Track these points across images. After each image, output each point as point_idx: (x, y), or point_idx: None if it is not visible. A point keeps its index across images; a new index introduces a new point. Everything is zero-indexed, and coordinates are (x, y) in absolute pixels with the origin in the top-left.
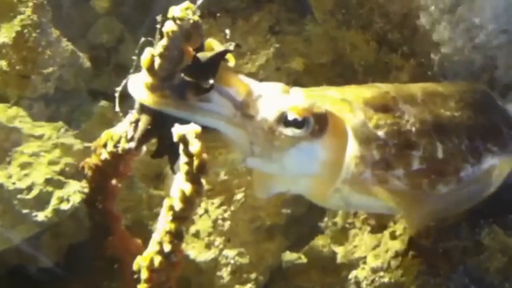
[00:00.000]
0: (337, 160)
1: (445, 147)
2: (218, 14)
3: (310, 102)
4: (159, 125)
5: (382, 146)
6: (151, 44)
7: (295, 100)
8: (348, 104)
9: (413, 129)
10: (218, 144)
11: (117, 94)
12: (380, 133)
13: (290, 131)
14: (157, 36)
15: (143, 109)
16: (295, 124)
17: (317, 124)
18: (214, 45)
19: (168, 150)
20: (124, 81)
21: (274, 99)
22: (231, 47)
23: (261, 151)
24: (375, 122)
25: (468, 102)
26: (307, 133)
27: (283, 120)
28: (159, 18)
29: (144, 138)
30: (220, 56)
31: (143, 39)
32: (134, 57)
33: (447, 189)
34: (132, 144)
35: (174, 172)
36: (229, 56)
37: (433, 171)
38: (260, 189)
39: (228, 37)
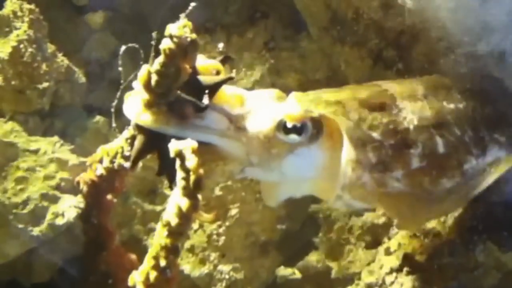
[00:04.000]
0: (334, 163)
1: (446, 141)
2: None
3: (304, 107)
4: (154, 143)
5: (378, 147)
6: (136, 52)
7: (289, 107)
8: (342, 106)
9: (411, 126)
10: (215, 157)
11: (113, 110)
12: (375, 134)
13: (291, 138)
14: (152, 53)
15: (138, 128)
16: (295, 130)
17: (314, 128)
18: (207, 66)
19: (167, 167)
20: (117, 94)
21: (268, 108)
22: (233, 75)
23: (259, 160)
24: (369, 123)
25: (475, 91)
26: (306, 138)
27: (281, 128)
28: (154, 34)
29: (139, 157)
30: (222, 83)
31: (123, 47)
32: (120, 68)
33: (452, 183)
34: (128, 164)
35: (172, 189)
36: (220, 68)
37: (434, 168)
38: (269, 198)
39: (221, 50)
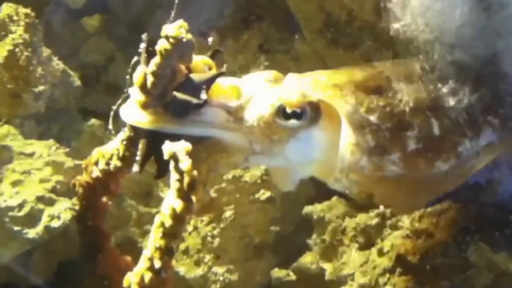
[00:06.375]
0: (334, 144)
1: (441, 123)
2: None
3: (302, 92)
4: (157, 144)
5: (376, 131)
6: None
7: (287, 92)
8: (339, 89)
9: (407, 108)
10: (218, 150)
11: (111, 113)
12: (373, 117)
13: (291, 123)
14: (143, 54)
15: (140, 131)
16: (295, 115)
17: (313, 112)
18: (197, 62)
19: (168, 168)
20: (119, 101)
21: (266, 95)
22: (224, 69)
23: (262, 148)
24: (366, 106)
25: (469, 73)
26: (306, 122)
27: (281, 113)
28: (144, 36)
29: (146, 160)
30: (215, 79)
31: (136, 58)
32: (127, 77)
33: (447, 166)
34: (136, 168)
35: None
36: (211, 63)
37: (429, 150)
38: (283, 184)
39: (211, 44)
